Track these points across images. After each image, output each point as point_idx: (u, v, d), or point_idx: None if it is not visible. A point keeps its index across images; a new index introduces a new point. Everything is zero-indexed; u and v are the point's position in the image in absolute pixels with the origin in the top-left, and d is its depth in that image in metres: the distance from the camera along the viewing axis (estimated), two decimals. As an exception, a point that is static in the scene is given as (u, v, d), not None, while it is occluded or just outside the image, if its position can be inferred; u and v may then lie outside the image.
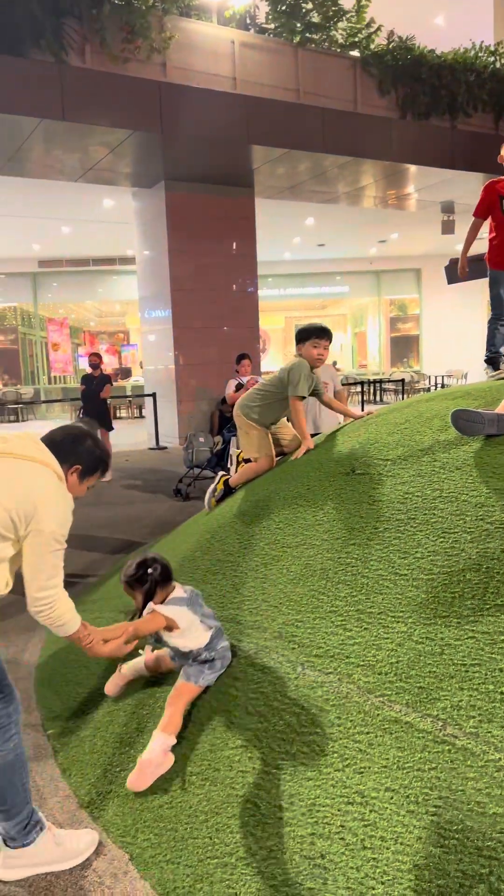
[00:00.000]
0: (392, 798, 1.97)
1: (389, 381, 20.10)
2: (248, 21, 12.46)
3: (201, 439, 8.04)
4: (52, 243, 18.03)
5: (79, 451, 2.31)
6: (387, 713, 2.18)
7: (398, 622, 2.45)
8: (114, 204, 13.68)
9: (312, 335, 4.14)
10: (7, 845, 2.14)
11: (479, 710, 2.05)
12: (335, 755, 2.15)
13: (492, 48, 13.05)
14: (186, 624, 2.56)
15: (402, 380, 17.11)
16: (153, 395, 12.62)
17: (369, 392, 20.13)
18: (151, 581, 2.56)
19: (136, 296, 13.24)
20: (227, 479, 4.30)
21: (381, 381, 20.45)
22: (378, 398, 20.78)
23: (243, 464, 4.32)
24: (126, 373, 23.97)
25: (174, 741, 2.42)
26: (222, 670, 2.63)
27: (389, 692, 2.24)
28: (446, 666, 2.22)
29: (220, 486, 4.28)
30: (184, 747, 2.44)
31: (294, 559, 3.00)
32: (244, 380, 8.10)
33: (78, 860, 2.14)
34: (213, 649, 2.60)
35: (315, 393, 4.19)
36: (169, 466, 10.06)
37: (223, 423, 9.68)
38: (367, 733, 2.16)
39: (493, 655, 2.18)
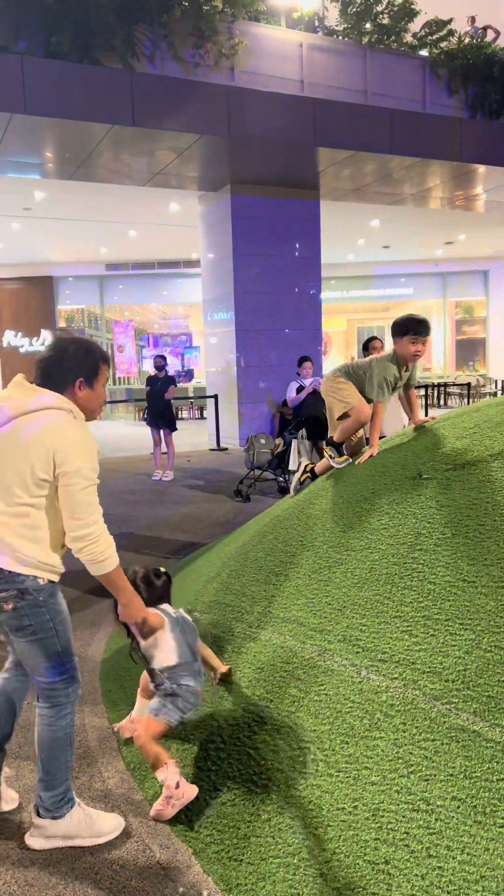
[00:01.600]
0: (459, 807, 1.94)
1: (454, 385, 19.71)
2: (317, 23, 12.47)
3: (262, 441, 8.07)
4: (119, 247, 18.39)
5: (69, 366, 2.22)
6: (454, 721, 2.15)
7: (466, 629, 2.41)
8: (180, 207, 13.85)
9: (410, 329, 3.75)
10: (39, 815, 2.23)
11: (551, 723, 2.00)
12: (400, 761, 2.13)
13: None
14: (167, 634, 2.47)
15: (468, 384, 16.76)
16: (215, 397, 12.73)
17: (433, 396, 19.79)
18: (163, 587, 2.63)
19: (200, 298, 13.37)
20: (313, 468, 4.21)
21: (445, 385, 20.08)
22: (442, 402, 20.41)
23: (308, 474, 4.26)
24: (189, 374, 24.24)
25: (177, 770, 2.30)
26: (185, 714, 2.43)
27: (456, 700, 2.21)
28: (516, 676, 2.17)
29: (306, 476, 4.27)
30: (246, 745, 2.46)
31: (358, 563, 2.98)
32: (306, 382, 8.09)
33: (101, 840, 2.22)
34: (175, 681, 2.44)
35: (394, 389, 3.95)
36: (230, 467, 10.13)
37: (284, 424, 9.71)
38: (433, 740, 2.14)
39: None
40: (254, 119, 9.81)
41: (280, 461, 7.95)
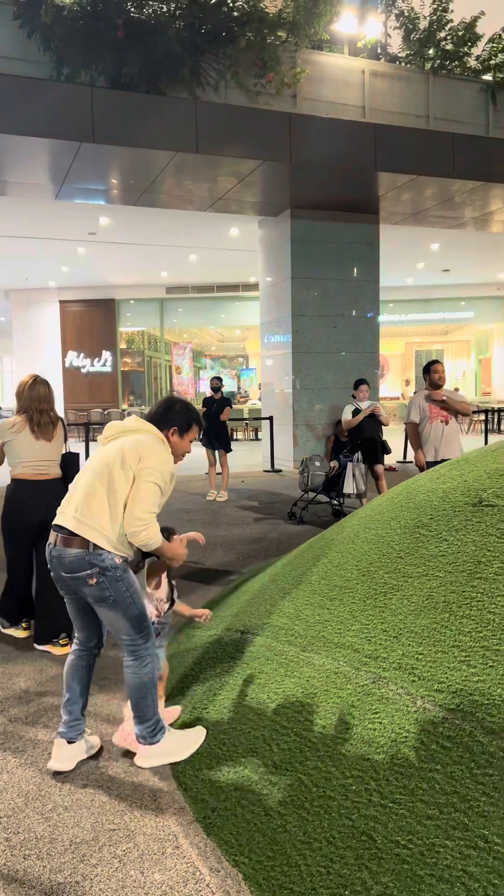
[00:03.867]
0: (518, 848, 1.87)
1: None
2: (380, 51, 12.59)
3: (317, 464, 8.04)
4: (179, 270, 18.76)
5: (170, 416, 2.82)
6: (513, 757, 2.08)
7: (527, 662, 2.34)
8: (239, 232, 14.06)
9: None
10: (140, 742, 2.74)
11: None
12: (456, 795, 2.07)
13: None
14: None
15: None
16: (270, 419, 12.77)
17: (493, 421, 19.40)
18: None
19: (257, 321, 13.49)
20: None
21: (505, 411, 19.66)
22: (503, 428, 19.98)
23: None
24: (245, 396, 24.41)
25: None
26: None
27: (517, 735, 2.14)
28: None
29: None
30: (297, 771, 2.43)
31: (415, 589, 2.93)
32: (362, 405, 8.04)
33: (193, 748, 2.75)
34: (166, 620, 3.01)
35: None
36: (284, 490, 10.12)
37: (339, 447, 9.66)
38: (492, 776, 2.07)
39: None
40: (314, 144, 9.92)
41: (334, 485, 7.90)
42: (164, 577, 2.99)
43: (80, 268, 17.77)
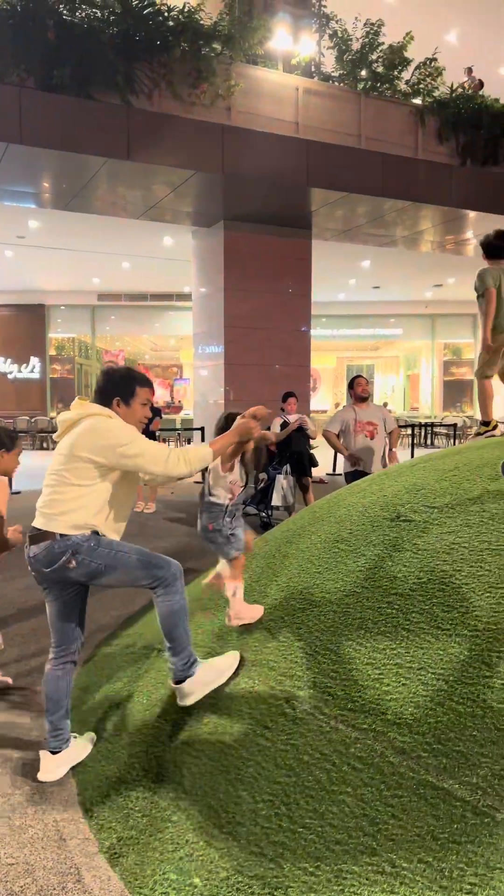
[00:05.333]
0: (425, 871, 1.84)
1: (441, 426, 19.80)
2: (313, 69, 12.76)
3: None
4: (111, 278, 18.51)
5: (109, 388, 2.83)
6: (423, 777, 2.06)
7: (439, 680, 2.33)
8: (173, 242, 13.98)
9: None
10: (176, 681, 2.76)
11: (523, 783, 1.92)
12: (366, 818, 2.04)
13: None
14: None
15: (455, 424, 16.81)
16: (201, 430, 12.69)
17: (420, 435, 19.86)
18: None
19: (191, 331, 13.43)
20: None
21: (432, 425, 20.16)
22: (429, 442, 20.47)
23: None
24: (178, 406, 24.24)
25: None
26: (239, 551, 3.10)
27: (426, 754, 2.12)
28: (488, 731, 2.10)
29: None
30: (207, 796, 2.35)
31: (332, 605, 2.91)
32: (290, 418, 8.06)
33: (230, 672, 2.81)
34: (233, 528, 3.10)
35: None
36: (213, 501, 10.03)
37: (269, 459, 9.65)
38: (401, 797, 2.05)
39: (540, 723, 2.05)
40: (248, 157, 9.96)
41: (263, 496, 7.87)
42: (237, 461, 3.02)
43: (7, 271, 17.30)
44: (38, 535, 2.68)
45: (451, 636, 2.45)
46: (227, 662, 2.87)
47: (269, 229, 12.03)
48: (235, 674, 2.86)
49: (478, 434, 4.79)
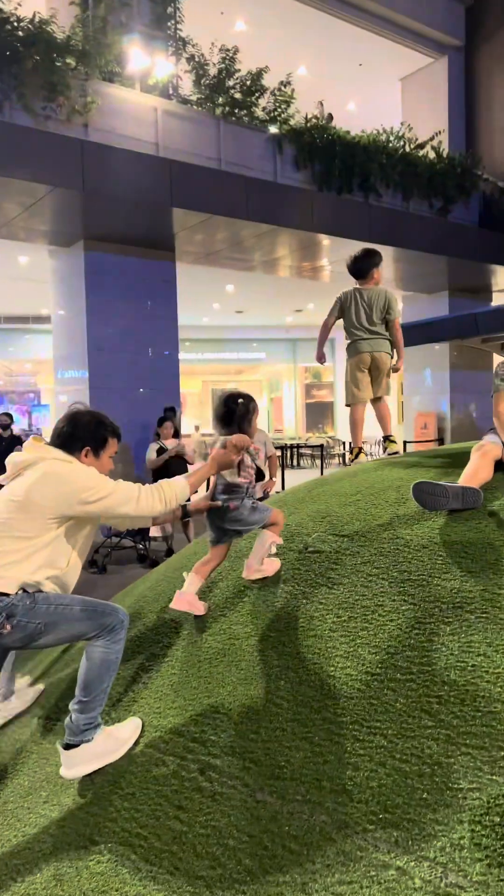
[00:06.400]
0: None
1: (306, 447, 20.15)
2: (171, 91, 12.64)
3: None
4: (-40, 299, 17.31)
5: (77, 434, 2.54)
6: (373, 855, 1.79)
7: (375, 734, 2.08)
8: (29, 261, 13.27)
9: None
10: (69, 744, 2.38)
11: (487, 850, 1.70)
12: (312, 915, 1.73)
13: (400, 133, 13.75)
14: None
15: (322, 445, 17.12)
16: (66, 459, 12.00)
17: (287, 457, 20.08)
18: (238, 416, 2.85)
19: (50, 355, 12.72)
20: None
21: (298, 447, 20.47)
22: (295, 463, 20.75)
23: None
24: (37, 433, 23.03)
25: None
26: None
27: (373, 827, 1.85)
28: (439, 791, 1.86)
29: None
30: (116, 905, 1.95)
31: (245, 654, 2.60)
32: (167, 444, 7.71)
33: (127, 747, 2.42)
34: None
35: None
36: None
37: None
38: (350, 882, 1.76)
39: (494, 777, 1.84)
40: (109, 175, 9.59)
41: (141, 528, 7.44)
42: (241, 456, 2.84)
43: None
44: None
45: (382, 682, 2.22)
46: (129, 731, 2.49)
47: (132, 250, 11.68)
48: (136, 743, 2.47)
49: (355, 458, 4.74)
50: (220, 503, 2.84)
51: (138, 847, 2.09)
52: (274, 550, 2.94)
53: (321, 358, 5.06)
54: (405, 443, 13.76)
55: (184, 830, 2.07)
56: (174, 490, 2.52)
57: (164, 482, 2.55)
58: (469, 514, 2.83)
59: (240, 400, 2.89)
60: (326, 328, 4.97)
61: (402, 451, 5.02)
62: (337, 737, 2.12)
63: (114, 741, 2.45)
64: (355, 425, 4.83)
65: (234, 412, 2.86)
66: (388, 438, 4.81)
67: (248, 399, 2.93)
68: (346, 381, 4.82)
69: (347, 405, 4.84)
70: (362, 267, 4.82)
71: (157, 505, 2.47)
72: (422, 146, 13.82)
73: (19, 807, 2.48)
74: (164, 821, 2.13)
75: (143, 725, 2.51)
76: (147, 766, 2.34)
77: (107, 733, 2.46)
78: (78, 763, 2.39)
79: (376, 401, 4.79)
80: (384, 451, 4.79)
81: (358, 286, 4.82)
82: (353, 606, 2.54)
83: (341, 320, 4.86)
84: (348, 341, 4.78)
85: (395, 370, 4.74)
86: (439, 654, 2.23)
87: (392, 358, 4.73)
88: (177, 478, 2.61)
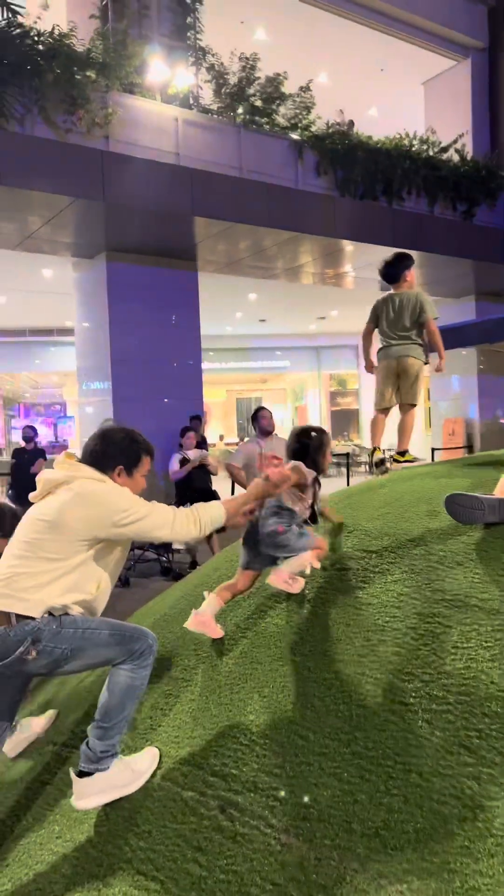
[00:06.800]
0: None
1: (333, 455, 19.91)
2: (192, 101, 12.63)
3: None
4: (-14, 313, 17.45)
5: (110, 452, 2.45)
6: (410, 911, 1.62)
7: (409, 771, 1.91)
8: (53, 274, 13.30)
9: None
10: (83, 772, 2.24)
11: (538, 909, 1.52)
12: None
13: (423, 137, 13.58)
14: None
15: (347, 453, 16.90)
16: (90, 470, 11.95)
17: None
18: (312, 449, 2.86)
19: (74, 367, 12.73)
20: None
21: (323, 455, 20.23)
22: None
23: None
24: (63, 446, 23.13)
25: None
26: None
27: (409, 876, 1.68)
28: (482, 838, 1.69)
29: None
30: None
31: (267, 680, 2.44)
32: (190, 454, 7.60)
33: (144, 779, 2.27)
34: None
35: None
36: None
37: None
38: (385, 941, 1.59)
39: (543, 822, 1.66)
40: (130, 185, 9.56)
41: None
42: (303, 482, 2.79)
43: None
44: None
45: (416, 713, 2.05)
46: (146, 762, 2.34)
47: (154, 260, 11.65)
48: (152, 775, 2.33)
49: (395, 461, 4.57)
50: (256, 518, 2.71)
51: (154, 893, 1.94)
52: (308, 571, 2.78)
53: (369, 367, 4.90)
54: (433, 450, 13.51)
55: (203, 875, 1.91)
56: (210, 514, 2.43)
57: (200, 506, 2.45)
58: (506, 528, 2.65)
59: (312, 434, 2.90)
60: (365, 337, 4.91)
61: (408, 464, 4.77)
62: (368, 773, 1.95)
63: (130, 773, 2.30)
64: (374, 426, 4.78)
65: (309, 446, 2.87)
66: (400, 454, 4.63)
67: (321, 432, 2.94)
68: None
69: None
70: (394, 271, 4.77)
71: (192, 530, 2.38)
72: (445, 149, 13.61)
73: (31, 842, 2.35)
74: (181, 864, 1.98)
75: (160, 756, 2.37)
76: (164, 802, 2.20)
77: (124, 763, 2.32)
78: (92, 793, 2.25)
79: (403, 409, 4.63)
80: (389, 464, 4.58)
81: (392, 291, 4.74)
82: (384, 629, 2.38)
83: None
84: (380, 346, 4.70)
85: (438, 370, 4.65)
86: (478, 682, 2.05)
87: (425, 361, 4.60)
88: (214, 502, 2.50)
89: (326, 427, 25.76)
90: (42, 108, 9.50)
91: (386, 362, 4.59)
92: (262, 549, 2.75)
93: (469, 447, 14.28)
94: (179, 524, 2.36)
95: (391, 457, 4.67)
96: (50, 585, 2.26)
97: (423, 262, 12.83)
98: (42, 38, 9.67)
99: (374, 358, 4.83)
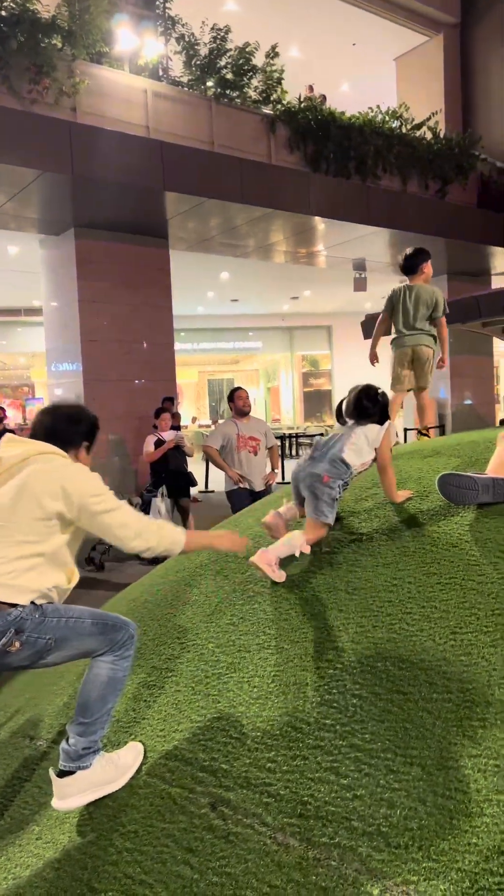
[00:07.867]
0: None
1: (306, 436, 19.88)
2: (161, 73, 12.28)
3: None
4: (-51, 292, 16.95)
5: (72, 430, 2.35)
6: (417, 913, 1.54)
7: (411, 764, 1.82)
8: (19, 251, 12.93)
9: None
10: (64, 771, 2.14)
11: (554, 909, 1.44)
12: None
13: (395, 111, 13.39)
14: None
15: (321, 434, 16.84)
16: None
17: (285, 447, 19.82)
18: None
19: (43, 348, 12.42)
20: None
21: (297, 436, 20.20)
22: (294, 453, 20.48)
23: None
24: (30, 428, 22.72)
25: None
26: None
27: (415, 877, 1.60)
28: (490, 834, 1.61)
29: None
30: None
31: (257, 669, 2.34)
32: (165, 436, 7.44)
33: (129, 775, 2.19)
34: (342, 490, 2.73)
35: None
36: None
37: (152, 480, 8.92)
38: (391, 946, 1.51)
39: None
40: (99, 158, 9.27)
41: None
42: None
43: None
44: None
45: (415, 703, 1.96)
46: (131, 758, 2.23)
47: (124, 237, 11.36)
48: (137, 771, 2.22)
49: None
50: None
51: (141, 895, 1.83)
52: (298, 556, 2.67)
53: (373, 358, 5.01)
54: (406, 430, 13.51)
55: (194, 878, 1.81)
56: (172, 538, 2.28)
57: (167, 527, 2.32)
58: (502, 508, 2.57)
59: (380, 392, 2.89)
60: (380, 325, 4.95)
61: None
62: (367, 767, 1.86)
63: (114, 769, 2.19)
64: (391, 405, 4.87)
65: (386, 406, 2.87)
66: (424, 430, 4.94)
67: (384, 394, 2.94)
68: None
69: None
70: (412, 263, 4.91)
71: (151, 541, 2.24)
72: (418, 127, 13.47)
73: (10, 843, 2.23)
74: (171, 866, 1.87)
75: (144, 750, 2.26)
76: (151, 800, 2.09)
77: (106, 759, 2.21)
78: (73, 793, 2.15)
79: (419, 391, 4.86)
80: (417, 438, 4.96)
81: (408, 283, 4.89)
82: (377, 614, 2.28)
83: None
84: (394, 336, 4.84)
85: (440, 367, 4.87)
86: (479, 668, 1.97)
87: (434, 352, 4.81)
88: (180, 529, 2.34)
89: (299, 409, 25.72)
90: (6, 76, 9.14)
91: (400, 350, 4.76)
92: (299, 483, 2.72)
93: (441, 427, 14.30)
94: (146, 533, 2.23)
95: (417, 432, 5.06)
96: (32, 571, 2.12)
97: (395, 241, 12.74)
98: (5, 4, 9.29)
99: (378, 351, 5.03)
